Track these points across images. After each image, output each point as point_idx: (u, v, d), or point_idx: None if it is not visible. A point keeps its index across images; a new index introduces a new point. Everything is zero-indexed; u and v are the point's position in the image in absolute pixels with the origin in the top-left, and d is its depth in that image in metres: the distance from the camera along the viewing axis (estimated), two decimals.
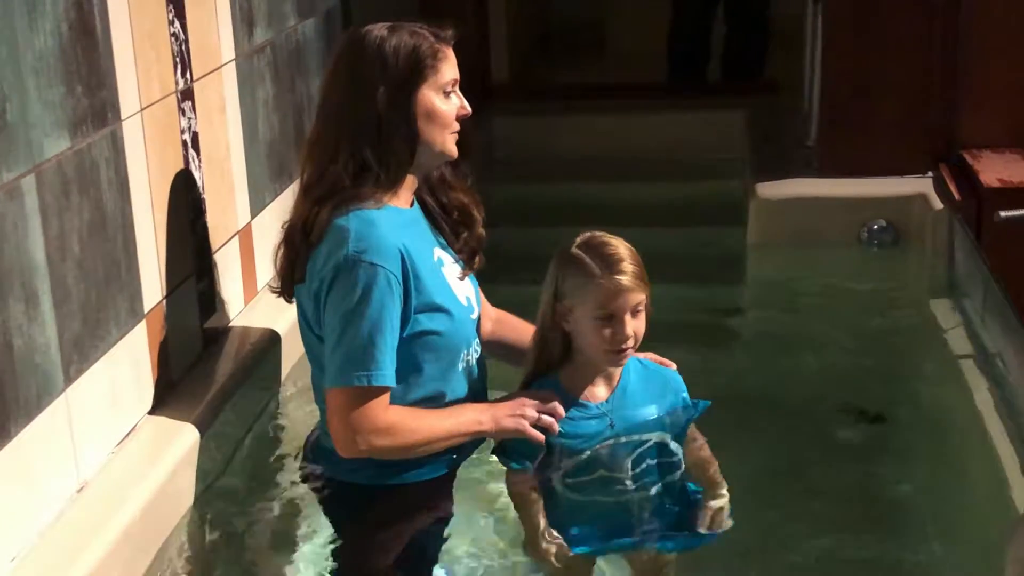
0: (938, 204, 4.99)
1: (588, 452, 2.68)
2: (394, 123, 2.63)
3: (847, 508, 3.39)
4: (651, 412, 2.74)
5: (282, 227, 2.76)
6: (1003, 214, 3.80)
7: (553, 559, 2.67)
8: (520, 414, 2.64)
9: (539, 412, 2.64)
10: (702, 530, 2.77)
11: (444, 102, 2.68)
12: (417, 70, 2.64)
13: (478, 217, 2.85)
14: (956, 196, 4.88)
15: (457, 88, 2.71)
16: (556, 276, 2.63)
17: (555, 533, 2.68)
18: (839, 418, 3.87)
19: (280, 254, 2.74)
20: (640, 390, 2.74)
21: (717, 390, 4.07)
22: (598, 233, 2.66)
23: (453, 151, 2.73)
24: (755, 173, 5.44)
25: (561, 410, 2.65)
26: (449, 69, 2.68)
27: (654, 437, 2.74)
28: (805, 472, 3.58)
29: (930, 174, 5.19)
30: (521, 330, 2.92)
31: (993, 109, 5.13)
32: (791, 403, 4.02)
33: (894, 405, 3.95)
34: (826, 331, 4.57)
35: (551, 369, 2.71)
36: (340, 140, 2.65)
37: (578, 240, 2.65)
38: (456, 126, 2.71)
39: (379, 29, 2.67)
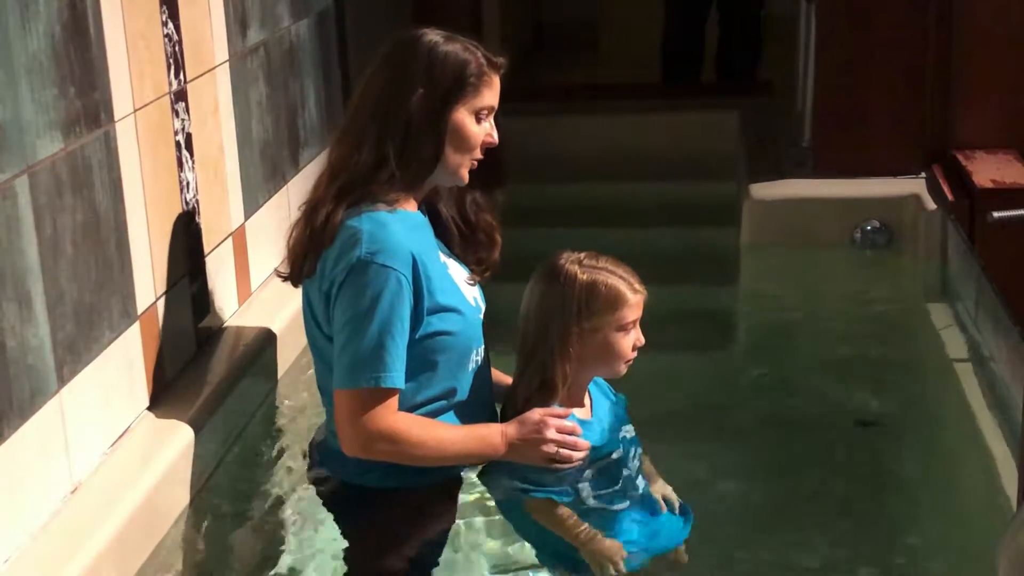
0: (931, 205, 5.00)
1: (614, 453, 2.72)
2: (422, 129, 2.63)
3: (841, 510, 3.40)
4: (610, 409, 2.80)
5: (300, 208, 2.75)
6: (996, 215, 3.79)
7: (619, 558, 2.70)
8: (540, 448, 2.64)
9: (559, 445, 2.64)
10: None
11: (474, 125, 2.67)
12: (459, 85, 2.64)
13: (499, 241, 2.86)
14: (949, 197, 4.89)
15: (491, 116, 2.71)
16: (576, 302, 2.64)
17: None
18: (832, 419, 3.88)
19: (295, 233, 2.72)
20: (599, 396, 2.81)
21: (709, 392, 4.12)
22: (584, 253, 2.70)
23: (464, 178, 2.72)
24: (748, 174, 5.45)
25: (585, 444, 2.67)
26: (490, 95, 2.68)
27: (630, 429, 2.82)
28: (798, 473, 3.58)
29: (923, 175, 5.20)
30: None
31: (986, 109, 5.13)
32: (782, 404, 4.03)
33: (887, 405, 3.96)
34: (819, 332, 4.58)
35: (553, 395, 2.70)
36: (369, 130, 2.64)
37: (580, 264, 2.66)
38: (478, 153, 2.70)
39: (435, 34, 2.68)
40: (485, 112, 2.68)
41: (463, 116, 2.65)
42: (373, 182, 2.63)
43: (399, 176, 2.64)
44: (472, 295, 2.76)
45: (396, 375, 2.56)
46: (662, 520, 2.81)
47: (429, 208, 2.78)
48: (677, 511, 2.84)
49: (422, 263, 2.61)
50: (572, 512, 2.69)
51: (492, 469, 2.72)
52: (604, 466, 2.72)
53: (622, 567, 2.70)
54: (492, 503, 2.90)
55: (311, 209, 2.68)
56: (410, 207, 2.69)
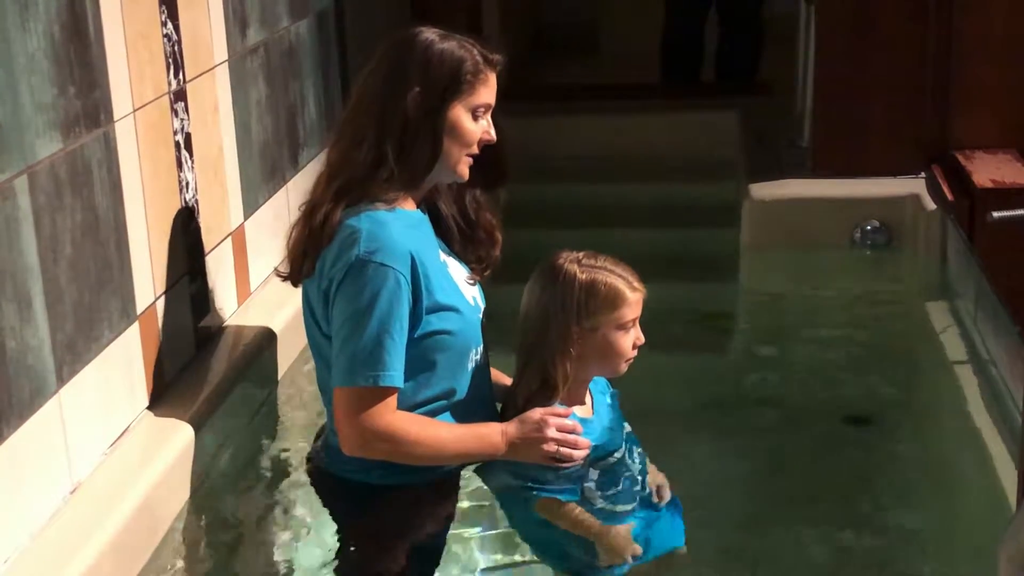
0: (931, 205, 5.00)
1: (616, 455, 2.73)
2: (420, 127, 2.63)
3: (840, 510, 3.40)
4: (610, 407, 2.81)
5: (299, 208, 2.75)
6: (996, 214, 3.80)
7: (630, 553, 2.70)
8: (541, 447, 2.64)
9: (559, 444, 2.65)
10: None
11: (471, 122, 2.67)
12: (455, 83, 2.64)
13: (499, 239, 2.86)
14: (949, 197, 4.89)
15: (488, 114, 2.71)
16: (576, 301, 2.64)
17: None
18: (831, 419, 3.88)
19: (294, 234, 2.73)
20: (598, 395, 2.81)
21: (709, 392, 4.12)
22: (583, 252, 2.70)
23: (464, 174, 2.72)
24: (748, 174, 5.45)
25: (586, 443, 2.67)
26: (486, 92, 2.68)
27: (627, 426, 2.82)
28: (796, 474, 3.58)
29: (923, 175, 5.20)
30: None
31: (985, 109, 5.14)
32: (783, 405, 4.03)
33: (887, 406, 3.96)
34: (819, 332, 4.58)
35: (554, 395, 2.70)
36: (367, 129, 2.65)
37: (579, 263, 2.67)
38: (475, 149, 2.70)
39: (431, 32, 2.68)
40: (482, 109, 2.68)
41: (460, 114, 2.65)
42: (372, 181, 2.64)
43: (398, 175, 2.64)
44: (471, 294, 2.76)
45: (395, 374, 2.56)
46: (662, 518, 2.81)
47: (429, 206, 2.79)
48: (668, 499, 2.84)
49: (421, 262, 2.61)
50: (583, 509, 2.69)
51: (492, 465, 2.73)
52: (607, 466, 2.72)
53: (638, 550, 2.70)
54: (492, 499, 2.90)
55: (310, 209, 2.69)
56: (409, 206, 2.69)
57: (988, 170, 4.92)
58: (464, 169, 2.71)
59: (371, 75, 2.70)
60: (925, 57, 5.16)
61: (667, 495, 2.84)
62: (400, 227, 2.62)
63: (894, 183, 5.19)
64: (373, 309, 2.54)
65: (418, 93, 2.63)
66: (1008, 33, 5.05)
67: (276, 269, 2.82)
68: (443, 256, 2.74)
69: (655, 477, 2.86)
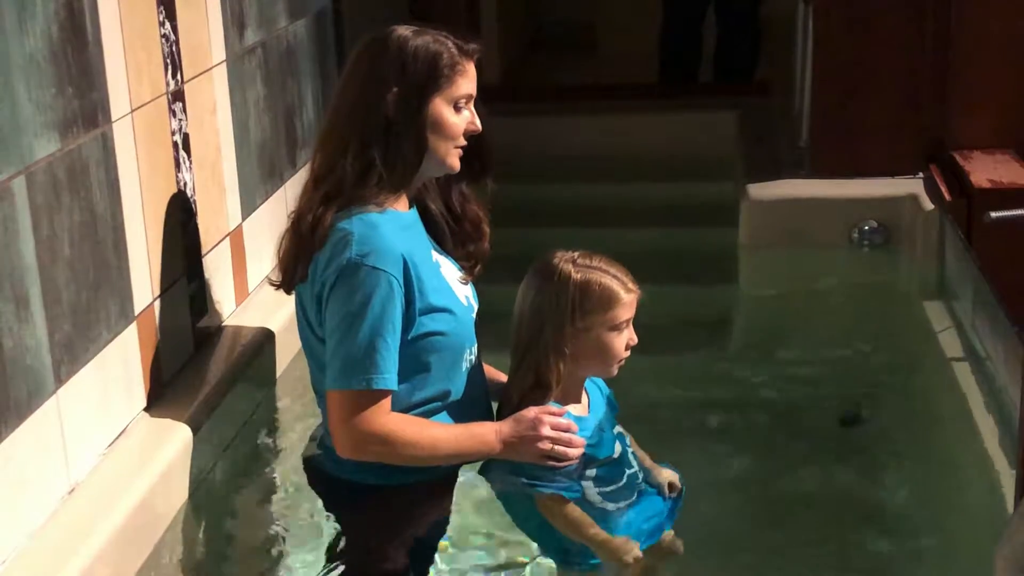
0: (929, 205, 5.00)
1: (615, 452, 2.73)
2: (403, 127, 2.63)
3: (838, 509, 3.40)
4: (606, 406, 2.82)
5: (289, 216, 2.75)
6: (993, 215, 3.79)
7: (632, 551, 2.70)
8: (536, 446, 2.64)
9: (554, 442, 2.65)
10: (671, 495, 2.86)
11: (454, 115, 2.67)
12: (433, 78, 2.63)
13: (487, 231, 2.86)
14: (946, 197, 4.89)
15: (471, 104, 2.71)
16: (570, 301, 2.64)
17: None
18: (829, 418, 3.88)
19: (284, 243, 2.73)
20: (595, 393, 2.81)
21: (706, 391, 4.12)
22: (578, 252, 2.70)
23: (455, 165, 2.72)
24: (746, 174, 5.45)
25: (581, 441, 2.67)
26: (465, 83, 2.67)
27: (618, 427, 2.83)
28: (794, 473, 3.58)
29: (920, 175, 5.20)
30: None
31: (983, 110, 5.13)
32: (781, 404, 4.03)
33: (884, 406, 3.96)
34: (817, 332, 4.59)
35: (548, 394, 2.70)
36: (350, 136, 2.64)
37: (574, 263, 2.66)
38: (462, 140, 2.70)
39: (404, 30, 2.68)
40: (463, 100, 2.68)
41: (441, 108, 2.65)
42: (362, 187, 2.63)
43: (387, 178, 2.64)
44: (464, 294, 2.76)
45: (388, 376, 2.56)
46: (654, 507, 2.81)
47: (419, 204, 2.78)
48: (678, 493, 2.86)
49: (413, 264, 2.61)
50: (583, 512, 2.70)
51: (494, 464, 2.73)
52: (607, 466, 2.73)
53: (639, 554, 2.70)
54: (490, 498, 2.90)
55: (297, 218, 2.68)
56: (401, 206, 2.69)
57: (986, 170, 4.92)
58: (455, 160, 2.70)
59: (348, 80, 2.70)
60: (923, 57, 5.16)
61: (677, 487, 2.86)
62: (392, 229, 2.61)
63: (892, 183, 5.19)
64: (366, 313, 2.54)
65: (397, 93, 2.62)
66: (1006, 33, 5.05)
67: (268, 278, 2.82)
68: (436, 256, 2.74)
69: (659, 476, 2.87)
